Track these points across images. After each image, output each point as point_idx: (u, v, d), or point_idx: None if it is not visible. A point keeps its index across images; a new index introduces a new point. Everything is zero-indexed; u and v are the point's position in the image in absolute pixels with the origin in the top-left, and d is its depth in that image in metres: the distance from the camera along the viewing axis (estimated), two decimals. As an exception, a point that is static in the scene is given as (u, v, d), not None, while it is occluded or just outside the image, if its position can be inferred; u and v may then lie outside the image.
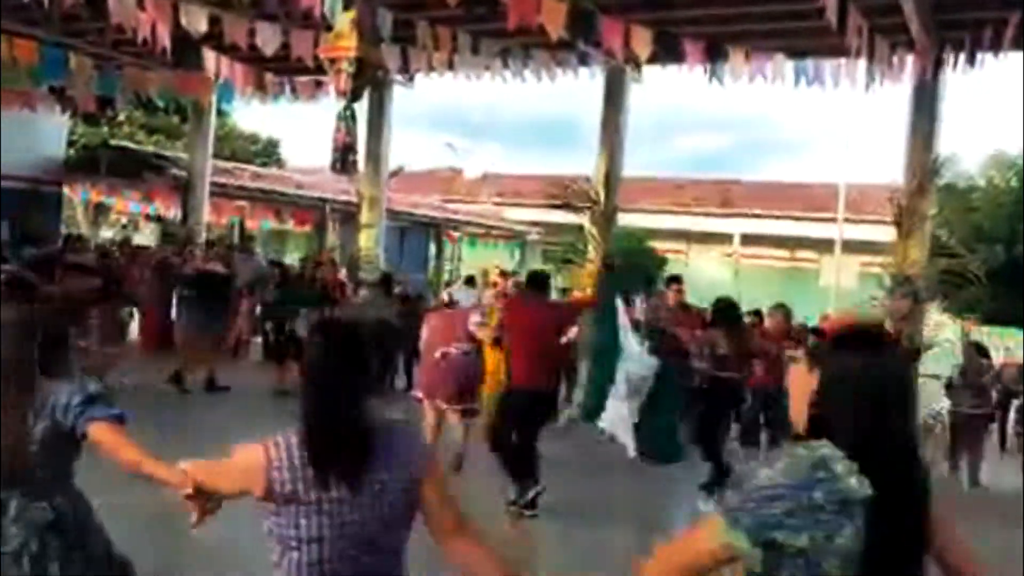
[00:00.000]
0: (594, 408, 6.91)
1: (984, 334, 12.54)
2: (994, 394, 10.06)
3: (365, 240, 13.01)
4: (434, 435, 6.89)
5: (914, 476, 1.72)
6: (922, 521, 1.72)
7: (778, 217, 23.37)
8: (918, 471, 1.74)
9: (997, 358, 11.24)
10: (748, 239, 23.91)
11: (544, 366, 6.38)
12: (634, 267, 12.47)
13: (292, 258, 19.02)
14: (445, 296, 8.73)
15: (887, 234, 9.87)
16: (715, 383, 7.34)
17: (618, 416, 6.61)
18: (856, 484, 1.64)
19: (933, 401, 9.69)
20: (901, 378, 1.78)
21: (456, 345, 6.98)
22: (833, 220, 20.99)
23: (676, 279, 9.18)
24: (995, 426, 11.18)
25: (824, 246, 22.20)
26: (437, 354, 7.01)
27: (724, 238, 24.23)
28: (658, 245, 21.51)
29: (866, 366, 1.72)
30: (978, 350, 9.58)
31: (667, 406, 6.80)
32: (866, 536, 1.63)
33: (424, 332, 7.55)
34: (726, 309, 7.58)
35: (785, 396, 2.00)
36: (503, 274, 9.40)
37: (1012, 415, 11.91)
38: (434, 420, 7.02)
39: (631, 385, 6.54)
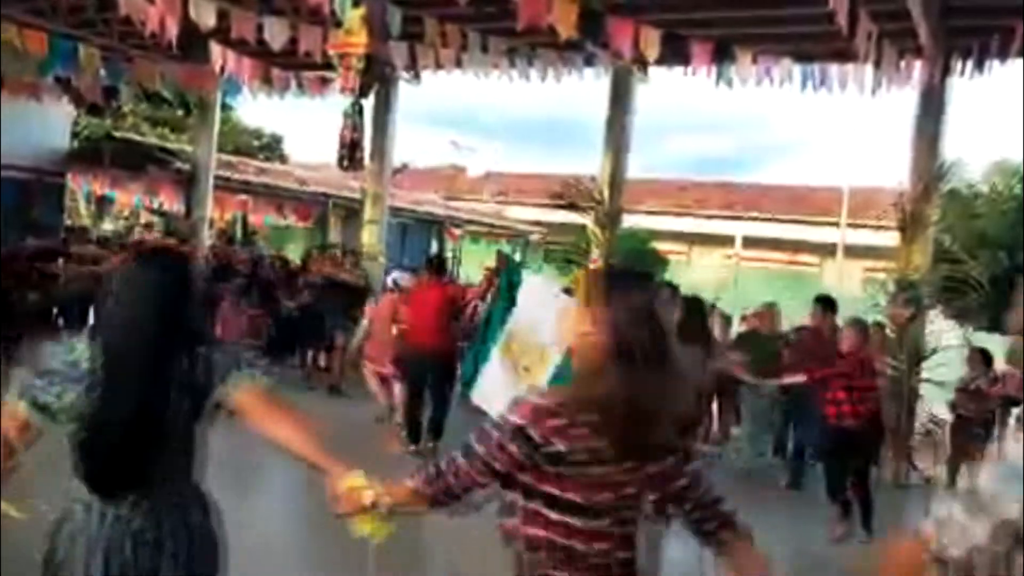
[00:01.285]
0: (471, 377, 6.59)
1: (985, 341, 12.51)
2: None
3: (368, 236, 13.00)
4: (384, 392, 8.48)
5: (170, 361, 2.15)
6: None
7: (781, 220, 23.38)
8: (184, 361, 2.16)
9: (999, 365, 11.23)
10: (750, 242, 23.90)
11: (432, 334, 7.61)
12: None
13: (294, 254, 19.02)
14: (390, 281, 9.63)
15: (890, 239, 9.87)
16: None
17: (494, 387, 6.04)
18: (78, 355, 2.13)
19: (934, 407, 9.70)
20: (161, 283, 2.22)
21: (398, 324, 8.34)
22: (836, 224, 21.02)
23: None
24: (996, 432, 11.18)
25: (826, 250, 22.24)
26: (394, 331, 8.30)
27: (726, 240, 24.23)
28: (660, 246, 21.51)
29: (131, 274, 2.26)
30: (982, 356, 9.56)
31: None
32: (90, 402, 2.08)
33: (370, 312, 9.11)
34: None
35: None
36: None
37: (1012, 423, 11.90)
38: (376, 381, 8.57)
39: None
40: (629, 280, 2.15)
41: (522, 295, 6.34)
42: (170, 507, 2.19)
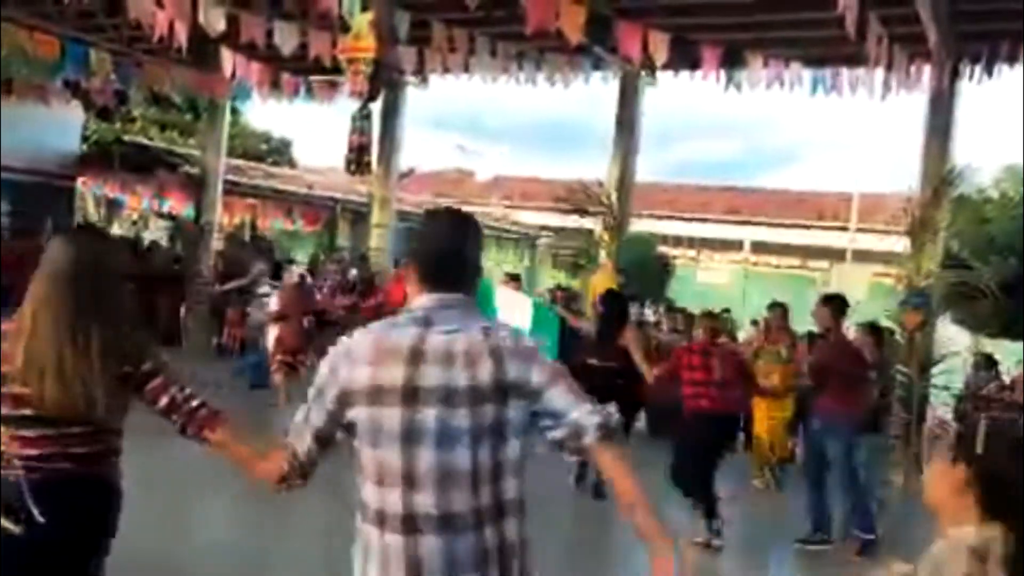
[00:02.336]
0: None
1: (994, 346, 12.44)
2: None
3: (376, 240, 13.02)
4: (284, 379, 8.69)
5: None
6: None
7: (789, 225, 23.32)
8: None
9: (1008, 371, 11.17)
10: (758, 246, 23.84)
11: None
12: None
13: (302, 258, 19.04)
14: (296, 276, 10.07)
15: (899, 244, 9.83)
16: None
17: None
18: None
19: (941, 411, 9.64)
20: None
21: (307, 317, 9.05)
22: (845, 229, 20.96)
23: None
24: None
25: (835, 255, 22.15)
26: (305, 322, 8.89)
27: (734, 245, 24.17)
28: (667, 251, 21.44)
29: None
30: (988, 362, 9.51)
31: None
32: None
33: (275, 304, 9.44)
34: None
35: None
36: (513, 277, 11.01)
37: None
38: (280, 369, 8.77)
39: None
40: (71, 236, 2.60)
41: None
42: None
